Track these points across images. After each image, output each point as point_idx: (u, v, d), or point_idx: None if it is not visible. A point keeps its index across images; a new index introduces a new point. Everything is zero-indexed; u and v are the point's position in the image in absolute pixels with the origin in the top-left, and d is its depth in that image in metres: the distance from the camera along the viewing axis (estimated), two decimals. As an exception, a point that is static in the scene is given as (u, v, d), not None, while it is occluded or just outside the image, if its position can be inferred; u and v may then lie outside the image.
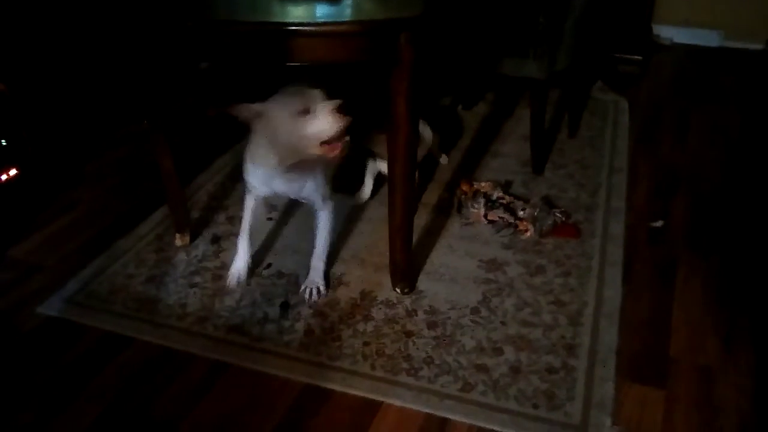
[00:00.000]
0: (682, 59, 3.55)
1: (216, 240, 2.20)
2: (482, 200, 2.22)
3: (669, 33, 3.68)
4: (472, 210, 2.23)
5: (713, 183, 2.44)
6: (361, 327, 1.81)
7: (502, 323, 1.81)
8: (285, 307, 1.89)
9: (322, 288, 1.92)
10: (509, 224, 2.18)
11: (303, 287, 1.92)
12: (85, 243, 2.20)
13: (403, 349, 1.73)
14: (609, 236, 2.15)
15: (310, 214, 2.27)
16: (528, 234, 2.14)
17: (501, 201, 2.22)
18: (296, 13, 1.61)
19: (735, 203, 2.31)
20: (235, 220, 2.29)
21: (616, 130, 2.83)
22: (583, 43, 2.45)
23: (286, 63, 1.55)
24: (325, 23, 1.46)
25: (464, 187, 2.30)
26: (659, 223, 2.20)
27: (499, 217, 2.20)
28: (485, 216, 2.21)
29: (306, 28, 1.46)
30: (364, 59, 1.53)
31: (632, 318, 1.83)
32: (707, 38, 3.65)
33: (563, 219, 2.18)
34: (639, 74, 3.34)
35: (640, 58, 3.39)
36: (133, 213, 2.34)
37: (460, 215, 2.25)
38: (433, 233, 2.18)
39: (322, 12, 1.61)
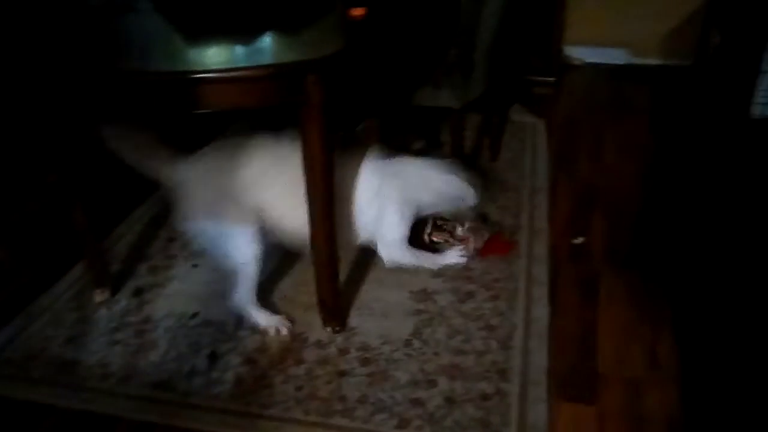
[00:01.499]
0: (592, 78, 3.69)
1: (138, 292, 2.12)
2: (429, 221, 2.25)
3: (579, 53, 3.83)
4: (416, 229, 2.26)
5: (629, 197, 2.53)
6: (292, 371, 1.77)
7: (435, 354, 1.81)
8: (213, 357, 1.83)
9: None
10: (453, 245, 2.20)
11: None
12: (-2, 306, 2.08)
13: (336, 390, 1.70)
14: (534, 257, 2.19)
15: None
16: (471, 247, 2.17)
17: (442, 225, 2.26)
18: (204, 57, 1.59)
19: (650, 215, 2.40)
20: (158, 269, 2.22)
21: (535, 151, 2.91)
22: (496, 69, 2.52)
23: (194, 111, 1.53)
24: (229, 69, 1.44)
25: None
26: (580, 240, 2.26)
27: (444, 239, 2.22)
28: (429, 235, 2.22)
29: (211, 75, 1.44)
30: (274, 102, 1.53)
31: (560, 336, 1.86)
32: (615, 56, 3.82)
33: (497, 232, 2.25)
34: (553, 95, 3.46)
35: (553, 79, 3.51)
36: (48, 271, 2.24)
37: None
38: (361, 267, 2.17)
39: (231, 54, 1.59)
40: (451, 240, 2.21)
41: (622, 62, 3.82)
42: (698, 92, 3.36)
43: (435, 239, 2.22)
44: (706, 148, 2.82)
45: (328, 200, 1.66)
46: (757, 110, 2.92)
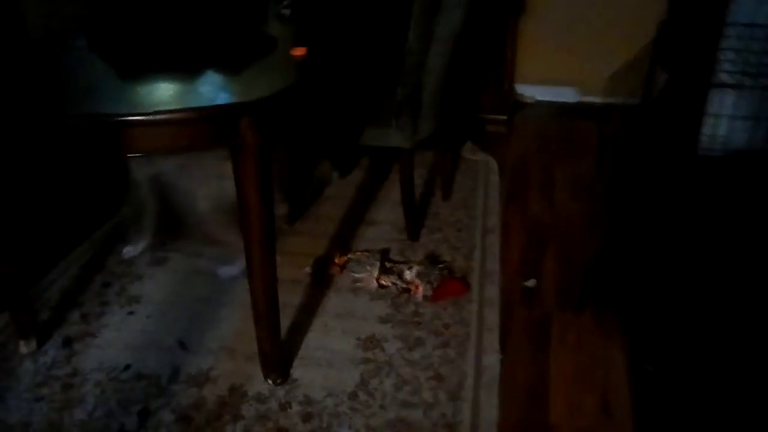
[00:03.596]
0: (543, 116, 3.72)
1: (68, 342, 1.99)
2: (377, 263, 2.18)
3: (530, 91, 3.86)
4: (361, 274, 2.19)
5: (580, 237, 2.51)
6: (229, 429, 1.66)
7: (381, 407, 1.72)
8: (144, 414, 1.71)
9: None
10: (403, 290, 2.13)
11: None
12: None
13: (275, 450, 1.60)
14: (485, 300, 2.13)
15: (175, 305, 2.13)
16: (420, 293, 2.11)
17: (391, 267, 2.20)
18: (136, 99, 1.51)
19: (602, 255, 2.38)
20: (91, 317, 2.09)
21: (488, 190, 2.88)
22: (446, 108, 2.49)
23: (124, 154, 1.44)
24: (159, 111, 1.36)
25: (337, 260, 2.25)
26: (532, 283, 2.22)
27: (392, 282, 2.15)
28: (378, 280, 2.16)
29: (141, 117, 1.36)
30: (209, 146, 1.45)
31: (511, 385, 1.80)
32: (565, 95, 3.86)
33: (448, 273, 2.19)
34: (505, 133, 3.46)
35: (505, 117, 3.51)
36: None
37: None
38: (307, 312, 2.09)
39: (163, 96, 1.52)
40: (399, 283, 2.15)
41: (572, 101, 3.86)
42: (646, 130, 3.40)
43: (383, 283, 2.16)
44: (654, 184, 2.84)
45: (265, 246, 1.58)
46: (703, 148, 2.97)
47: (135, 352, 1.94)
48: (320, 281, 2.22)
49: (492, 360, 1.88)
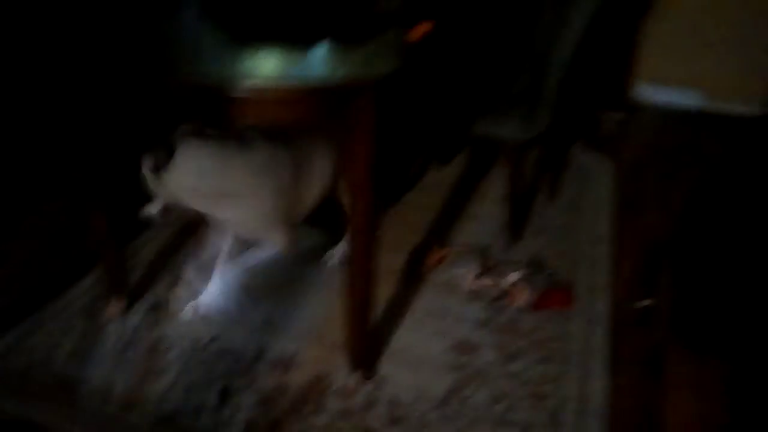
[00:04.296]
0: (664, 119, 3.42)
1: (156, 307, 1.96)
2: (477, 261, 2.06)
3: (650, 92, 3.57)
4: (459, 271, 2.06)
5: (700, 256, 2.26)
6: (311, 420, 1.57)
7: (474, 420, 1.59)
8: (225, 393, 1.65)
9: None
10: (503, 293, 1.99)
11: None
12: (5, 308, 1.94)
13: (358, 452, 1.50)
14: (593, 316, 1.95)
15: (269, 283, 2.07)
16: (521, 300, 1.96)
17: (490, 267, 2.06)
18: (245, 66, 1.42)
19: (723, 279, 2.13)
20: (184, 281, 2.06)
21: (599, 194, 2.66)
22: (564, 102, 2.30)
23: (229, 125, 1.36)
24: (274, 83, 1.26)
25: (433, 253, 2.12)
26: (647, 302, 2.01)
27: (492, 284, 2.01)
28: (476, 279, 2.03)
29: (249, 87, 1.26)
30: (316, 122, 1.35)
31: (619, 416, 1.61)
32: (690, 98, 3.55)
33: (553, 282, 2.04)
34: (621, 134, 3.20)
35: (622, 117, 3.26)
36: (67, 272, 2.09)
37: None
38: (399, 306, 1.97)
39: (275, 64, 1.42)
40: (499, 285, 1.99)
41: (697, 105, 3.54)
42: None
43: (482, 283, 2.01)
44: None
45: (370, 235, 1.47)
46: None
47: (222, 325, 1.88)
48: (414, 275, 2.10)
49: (598, 384, 1.70)
